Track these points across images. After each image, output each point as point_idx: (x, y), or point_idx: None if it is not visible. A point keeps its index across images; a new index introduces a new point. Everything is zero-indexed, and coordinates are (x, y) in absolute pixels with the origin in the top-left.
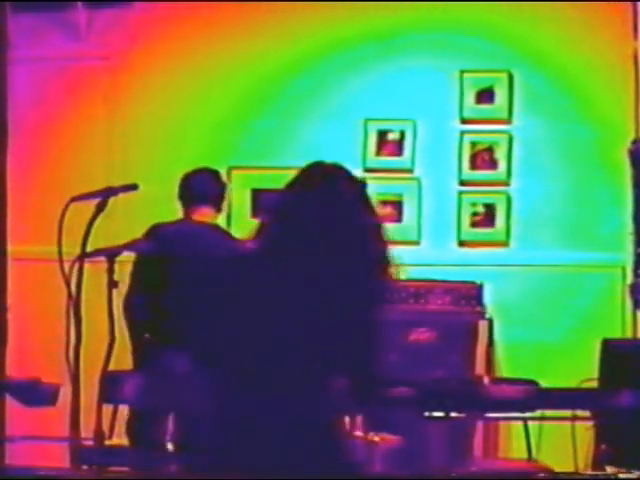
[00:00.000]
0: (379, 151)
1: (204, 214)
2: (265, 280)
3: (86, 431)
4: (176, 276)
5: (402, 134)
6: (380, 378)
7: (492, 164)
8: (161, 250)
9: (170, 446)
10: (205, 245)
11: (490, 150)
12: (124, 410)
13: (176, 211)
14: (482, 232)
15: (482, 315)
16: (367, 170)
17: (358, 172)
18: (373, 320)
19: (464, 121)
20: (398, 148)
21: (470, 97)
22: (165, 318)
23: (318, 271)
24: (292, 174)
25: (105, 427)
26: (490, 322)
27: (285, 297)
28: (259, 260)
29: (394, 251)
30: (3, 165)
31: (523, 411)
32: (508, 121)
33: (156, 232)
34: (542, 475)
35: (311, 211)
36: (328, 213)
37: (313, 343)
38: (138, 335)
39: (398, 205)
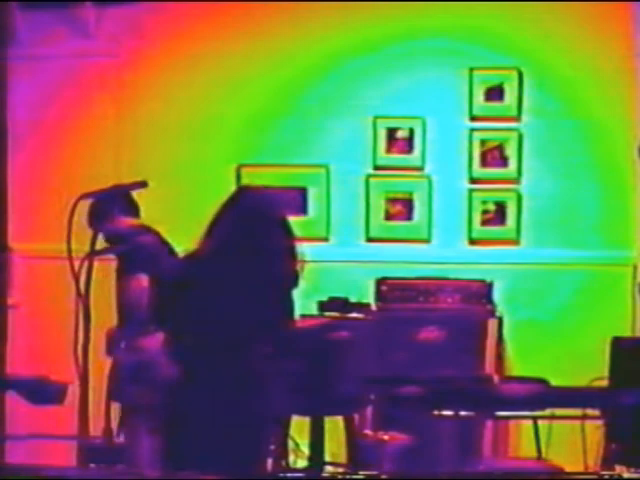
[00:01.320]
0: (389, 149)
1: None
2: (214, 274)
3: (95, 429)
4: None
5: (411, 132)
6: (289, 339)
7: (502, 162)
8: (164, 247)
9: None
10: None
11: (500, 148)
12: None
13: (184, 207)
14: (492, 230)
15: (492, 313)
16: (377, 168)
17: (368, 170)
18: (284, 299)
19: (473, 118)
20: (408, 146)
21: (479, 94)
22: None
23: (246, 268)
24: (300, 171)
25: (113, 425)
26: (500, 320)
27: (227, 285)
28: (210, 259)
29: (302, 249)
30: (3, 162)
31: (533, 410)
32: (518, 118)
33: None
34: (546, 474)
35: (241, 226)
36: (252, 229)
37: (245, 318)
38: None
39: (408, 203)
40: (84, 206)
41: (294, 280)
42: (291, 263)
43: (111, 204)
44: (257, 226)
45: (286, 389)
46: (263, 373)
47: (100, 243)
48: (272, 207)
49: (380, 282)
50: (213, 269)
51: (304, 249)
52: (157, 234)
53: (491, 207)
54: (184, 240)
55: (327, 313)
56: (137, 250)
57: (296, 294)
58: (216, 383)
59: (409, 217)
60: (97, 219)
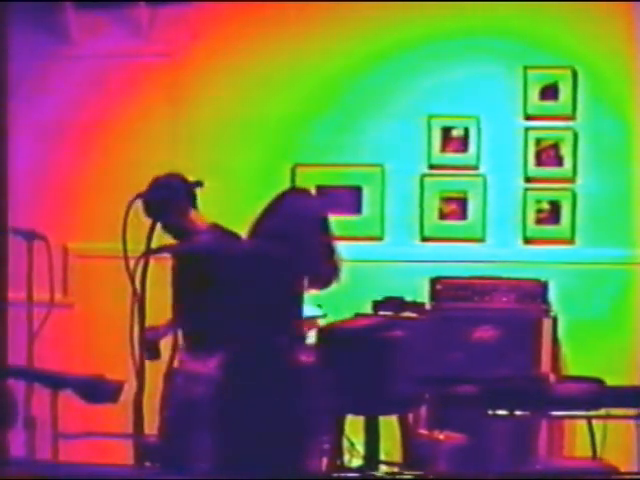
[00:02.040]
0: (444, 148)
1: None
2: (251, 270)
3: (150, 428)
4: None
5: (466, 131)
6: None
7: (557, 161)
8: (222, 246)
9: None
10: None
11: (556, 147)
12: None
13: (238, 206)
14: (547, 229)
15: (547, 313)
16: (432, 167)
17: (423, 169)
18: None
19: (528, 117)
20: (463, 145)
21: (534, 93)
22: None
23: (282, 265)
24: (355, 171)
25: None
26: (555, 320)
27: (262, 280)
28: (248, 255)
29: (339, 247)
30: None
31: (589, 409)
32: (572, 117)
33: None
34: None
35: (281, 224)
36: (291, 227)
37: (275, 315)
38: None
39: (463, 202)
40: (140, 205)
41: (329, 279)
42: (328, 263)
43: (183, 195)
44: (296, 224)
45: (338, 387)
46: (304, 369)
47: (156, 241)
48: (313, 207)
49: (435, 281)
50: (250, 265)
51: (342, 250)
52: (226, 233)
53: (545, 206)
54: None
55: (381, 312)
56: (198, 250)
57: (351, 293)
58: (256, 378)
59: (464, 216)
60: (166, 210)
